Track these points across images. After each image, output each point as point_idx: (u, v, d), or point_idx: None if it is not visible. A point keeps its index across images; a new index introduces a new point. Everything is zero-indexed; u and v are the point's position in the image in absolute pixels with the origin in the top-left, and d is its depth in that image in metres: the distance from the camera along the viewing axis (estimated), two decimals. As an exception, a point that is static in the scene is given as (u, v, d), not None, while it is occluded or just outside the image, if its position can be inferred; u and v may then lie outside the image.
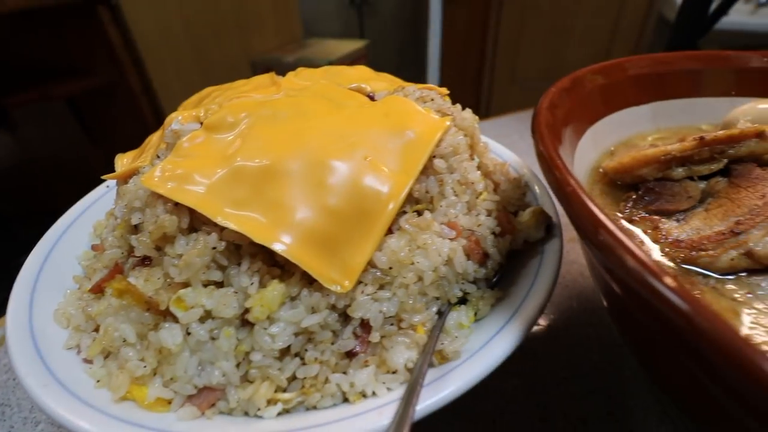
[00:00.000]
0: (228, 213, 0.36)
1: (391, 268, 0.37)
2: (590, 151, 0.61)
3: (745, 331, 0.36)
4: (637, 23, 3.60)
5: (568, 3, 4.14)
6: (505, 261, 0.48)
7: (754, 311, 0.37)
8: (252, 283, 0.35)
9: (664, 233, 0.46)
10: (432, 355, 0.36)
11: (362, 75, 0.57)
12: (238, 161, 0.38)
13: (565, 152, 0.47)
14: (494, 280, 0.47)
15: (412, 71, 4.91)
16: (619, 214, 0.50)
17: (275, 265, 0.37)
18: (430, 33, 4.86)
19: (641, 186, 0.53)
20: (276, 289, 0.35)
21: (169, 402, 0.36)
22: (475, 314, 0.42)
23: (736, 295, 0.39)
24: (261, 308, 0.34)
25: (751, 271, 0.40)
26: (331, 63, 3.24)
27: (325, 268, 0.35)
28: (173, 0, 2.36)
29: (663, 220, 0.48)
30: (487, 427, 0.50)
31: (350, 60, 3.54)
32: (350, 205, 0.37)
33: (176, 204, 0.37)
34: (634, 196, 0.52)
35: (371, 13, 4.77)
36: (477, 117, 0.61)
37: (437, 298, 0.41)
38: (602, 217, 0.30)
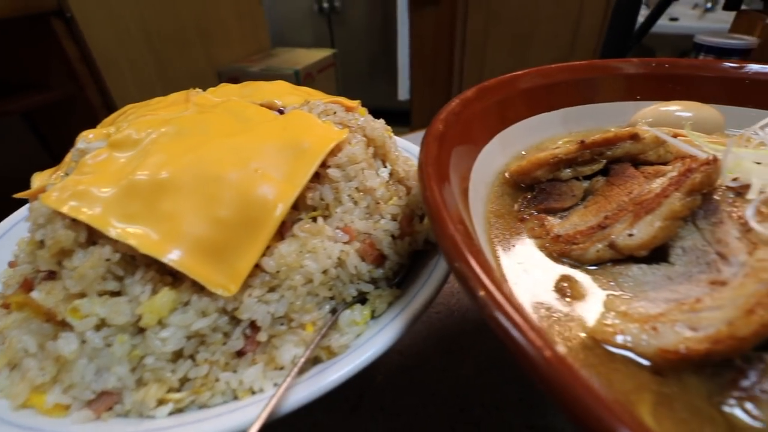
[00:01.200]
0: (119, 227, 0.38)
1: (278, 271, 0.40)
2: (498, 156, 0.65)
3: (606, 318, 0.39)
4: (596, 28, 3.74)
5: (529, 10, 4.31)
6: (408, 261, 0.52)
7: (615, 297, 0.41)
8: (143, 292, 0.38)
9: (547, 230, 0.50)
10: (314, 351, 0.38)
11: (277, 90, 0.60)
12: (134, 176, 0.41)
13: (458, 168, 0.50)
14: (397, 279, 0.50)
15: (384, 78, 4.97)
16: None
17: (168, 274, 0.40)
18: (399, 41, 4.94)
19: (536, 186, 0.57)
20: (165, 296, 0.37)
21: (68, 407, 0.38)
22: (373, 312, 0.45)
23: (601, 284, 0.43)
24: (150, 315, 0.37)
25: (615, 261, 0.45)
26: (297, 72, 3.27)
27: (212, 275, 0.38)
28: (132, 12, 2.35)
29: (548, 217, 0.52)
30: (411, 418, 0.54)
31: (318, 69, 3.57)
32: (238, 215, 0.40)
33: (74, 220, 0.39)
34: (528, 197, 0.57)
35: (340, 22, 4.81)
36: (389, 128, 0.65)
37: (331, 298, 0.44)
38: (461, 246, 0.32)
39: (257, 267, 0.40)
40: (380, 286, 0.48)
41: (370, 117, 0.64)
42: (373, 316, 0.46)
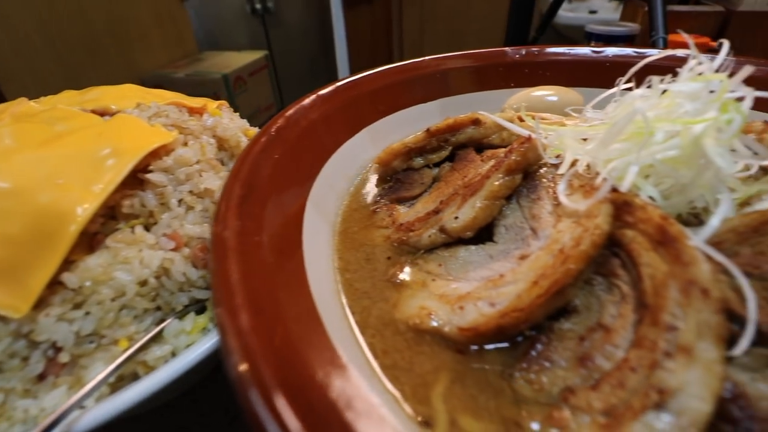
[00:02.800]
0: None
1: (82, 286, 0.37)
2: (369, 148, 0.65)
3: (425, 302, 0.40)
4: (523, 23, 3.87)
5: (463, 7, 4.44)
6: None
7: (439, 280, 0.42)
8: None
9: (394, 219, 0.50)
10: (126, 366, 0.36)
11: (120, 94, 0.56)
12: None
13: (292, 184, 0.48)
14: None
15: (324, 77, 4.92)
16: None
17: (-48, 300, 0.36)
18: (336, 39, 4.90)
19: (392, 177, 0.57)
20: (-57, 325, 0.34)
21: None
22: (211, 318, 0.44)
23: (431, 268, 0.44)
24: (-75, 346, 0.33)
25: (447, 245, 0.46)
26: (226, 76, 3.16)
27: (1, 297, 0.35)
28: (31, 17, 2.18)
29: (398, 207, 0.52)
30: None
31: (249, 72, 3.47)
32: (31, 231, 0.37)
33: None
34: (385, 187, 0.57)
35: (275, 23, 4.70)
36: (253, 128, 0.63)
37: (158, 308, 0.42)
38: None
39: (59, 284, 0.37)
40: (224, 290, 0.46)
41: (229, 117, 0.62)
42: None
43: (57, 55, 2.41)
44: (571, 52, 0.80)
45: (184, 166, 0.46)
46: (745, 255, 0.35)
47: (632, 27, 1.32)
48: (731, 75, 0.41)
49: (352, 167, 0.61)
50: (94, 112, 0.51)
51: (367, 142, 0.65)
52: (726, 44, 0.47)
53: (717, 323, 0.27)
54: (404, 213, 0.51)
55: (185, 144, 0.49)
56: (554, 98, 0.76)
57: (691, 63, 0.44)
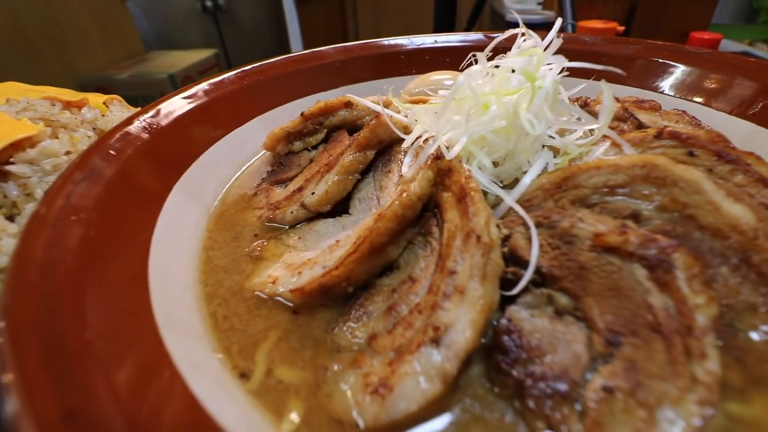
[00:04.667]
0: None
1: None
2: (262, 136, 0.67)
3: (275, 271, 0.42)
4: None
5: (416, 2, 4.49)
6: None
7: (294, 252, 0.45)
8: None
9: (269, 199, 0.53)
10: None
11: (3, 91, 0.57)
12: None
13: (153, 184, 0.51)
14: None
15: (282, 75, 4.87)
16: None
17: None
18: (290, 37, 4.86)
19: (276, 161, 0.59)
20: None
21: None
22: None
23: (292, 241, 0.46)
24: None
25: (310, 219, 0.48)
26: (172, 76, 3.09)
27: None
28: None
29: (275, 188, 0.55)
30: None
31: (198, 71, 3.40)
32: None
33: None
34: (269, 170, 0.59)
35: (228, 20, 4.61)
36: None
37: None
38: None
39: None
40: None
41: (120, 110, 0.63)
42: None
43: (-18, 60, 2.30)
44: (459, 38, 0.84)
45: (51, 157, 0.48)
46: (547, 209, 0.39)
47: (548, 14, 1.39)
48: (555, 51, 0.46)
49: (240, 154, 0.63)
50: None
51: (260, 129, 0.67)
52: (558, 21, 0.52)
53: (484, 264, 0.31)
54: (279, 193, 0.54)
55: (55, 136, 0.50)
56: (450, 81, 0.81)
57: (519, 40, 0.49)
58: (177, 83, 3.28)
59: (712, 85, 0.62)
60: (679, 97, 0.63)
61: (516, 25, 1.57)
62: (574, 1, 1.23)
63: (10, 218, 0.45)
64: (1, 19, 2.41)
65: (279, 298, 0.39)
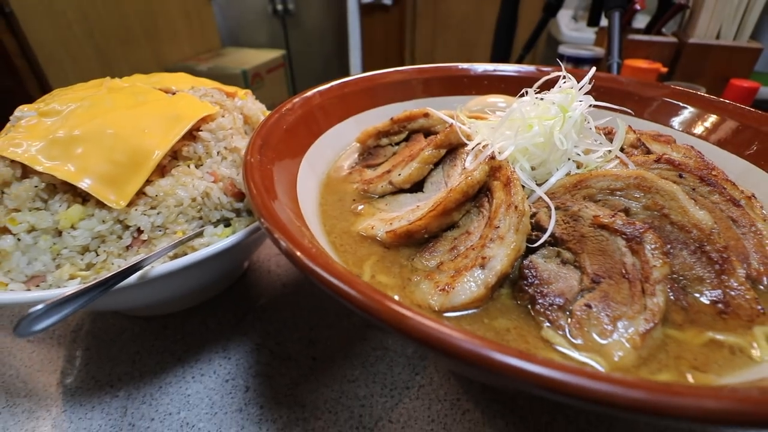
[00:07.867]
0: (46, 164, 0.57)
1: (157, 195, 0.60)
2: (354, 131, 0.88)
3: (372, 222, 0.62)
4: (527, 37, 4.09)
5: (473, 20, 4.65)
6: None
7: (383, 213, 0.64)
8: (61, 206, 0.57)
9: (362, 177, 0.73)
10: (181, 248, 0.59)
11: (176, 79, 0.80)
12: (57, 133, 0.60)
13: (292, 147, 0.72)
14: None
15: (337, 79, 5.15)
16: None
17: (79, 196, 0.59)
18: (350, 43, 5.14)
19: (366, 150, 0.80)
20: (76, 209, 0.57)
21: (6, 285, 0.56)
22: (234, 231, 0.66)
23: (381, 206, 0.66)
24: (65, 221, 0.56)
25: (394, 193, 0.68)
26: (245, 72, 3.40)
27: (109, 195, 0.58)
28: (74, 9, 2.44)
29: (366, 170, 0.75)
30: (280, 325, 0.75)
31: (267, 69, 3.70)
32: (128, 158, 0.59)
33: (12, 160, 0.58)
34: (360, 157, 0.79)
35: (295, 24, 4.95)
36: (264, 107, 0.86)
37: (200, 218, 0.64)
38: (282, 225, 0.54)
39: (143, 193, 0.60)
40: (242, 215, 0.69)
41: (252, 101, 0.85)
42: (233, 233, 0.66)
43: (94, 44, 2.66)
44: (514, 69, 1.02)
45: (222, 130, 0.69)
46: (564, 199, 0.57)
47: (597, 51, 1.54)
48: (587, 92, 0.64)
49: (339, 144, 0.84)
50: (161, 90, 0.74)
51: (353, 126, 0.88)
52: (593, 69, 0.69)
53: (518, 223, 0.50)
54: (370, 174, 0.73)
55: (223, 116, 0.72)
56: (504, 104, 0.99)
57: (561, 81, 0.66)
58: (248, 79, 3.58)
59: (717, 127, 0.77)
60: (688, 134, 0.79)
61: (566, 58, 1.73)
62: (622, 42, 1.38)
63: (196, 166, 0.66)
64: (110, 10, 2.77)
65: (377, 238, 0.59)
